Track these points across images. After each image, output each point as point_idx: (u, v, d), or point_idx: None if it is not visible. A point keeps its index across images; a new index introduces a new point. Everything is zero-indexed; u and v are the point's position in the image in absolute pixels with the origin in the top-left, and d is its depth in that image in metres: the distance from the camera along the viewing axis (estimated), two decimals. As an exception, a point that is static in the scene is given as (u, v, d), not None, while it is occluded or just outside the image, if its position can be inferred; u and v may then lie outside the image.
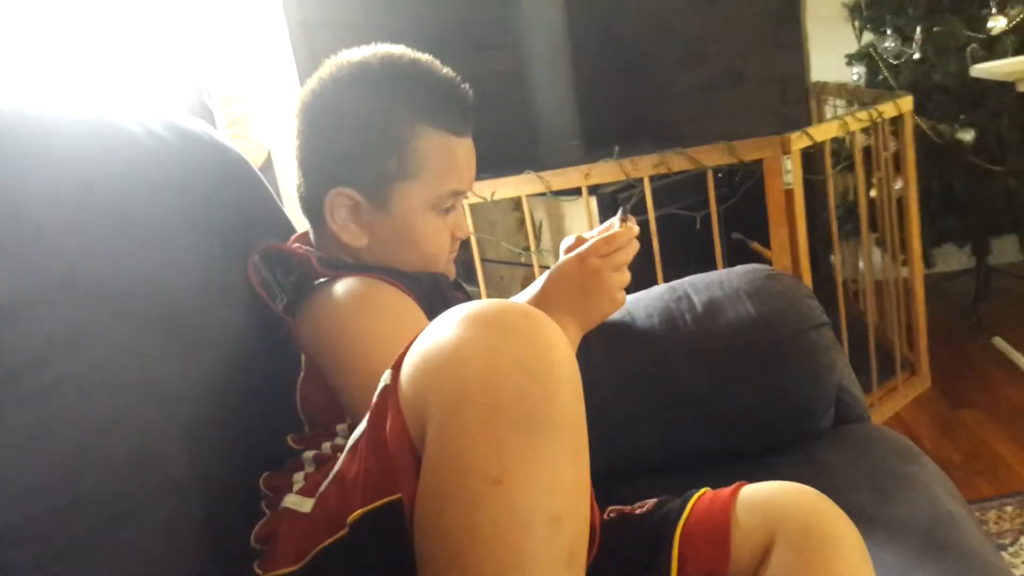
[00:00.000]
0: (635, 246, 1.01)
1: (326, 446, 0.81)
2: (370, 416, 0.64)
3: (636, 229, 1.01)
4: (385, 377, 0.63)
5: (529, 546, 0.55)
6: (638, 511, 0.85)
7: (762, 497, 0.77)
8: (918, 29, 2.42)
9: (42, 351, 0.66)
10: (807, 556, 0.72)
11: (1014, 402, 2.09)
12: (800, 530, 0.73)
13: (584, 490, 0.60)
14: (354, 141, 0.89)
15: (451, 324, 0.60)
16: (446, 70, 0.93)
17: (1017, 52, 2.34)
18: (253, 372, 0.89)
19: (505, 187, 1.86)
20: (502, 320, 0.59)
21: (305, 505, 0.72)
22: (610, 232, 1.01)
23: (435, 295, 0.92)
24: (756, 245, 2.04)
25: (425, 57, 0.93)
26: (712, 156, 1.75)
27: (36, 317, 0.66)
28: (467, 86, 0.94)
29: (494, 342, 0.58)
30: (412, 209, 0.91)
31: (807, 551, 0.72)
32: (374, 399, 0.64)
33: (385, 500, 0.61)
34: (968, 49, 2.35)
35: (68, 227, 0.72)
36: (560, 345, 0.59)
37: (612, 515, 0.86)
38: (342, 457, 0.69)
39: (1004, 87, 2.14)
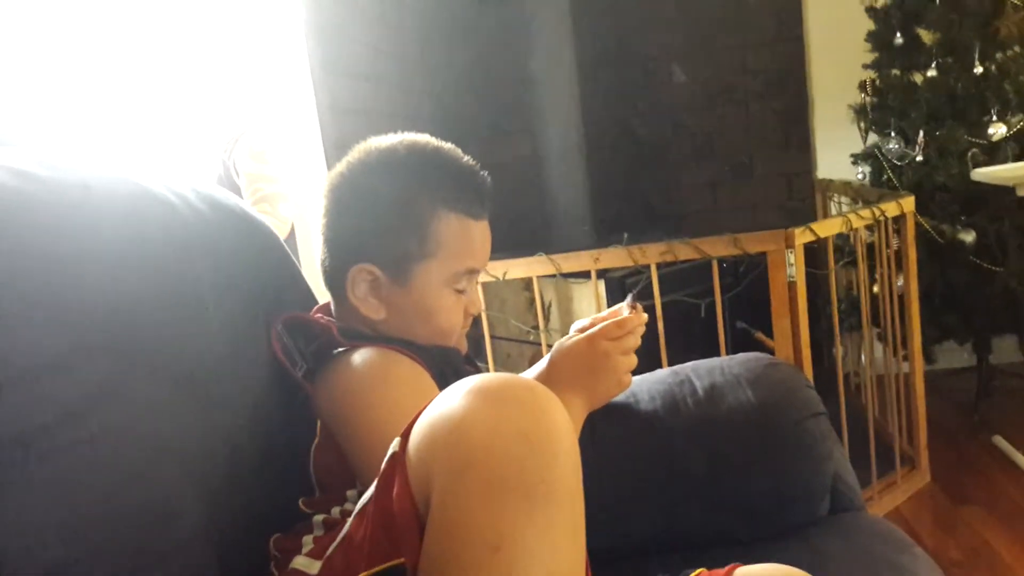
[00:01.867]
0: (641, 331, 1.05)
1: (336, 511, 0.84)
2: (378, 482, 0.67)
3: (645, 317, 1.05)
4: (394, 445, 0.66)
5: None
6: (634, 588, 0.87)
7: (756, 579, 0.80)
8: (921, 133, 2.50)
9: (81, 405, 0.68)
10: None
11: (1015, 501, 2.09)
12: (791, 613, 0.75)
13: (580, 560, 0.62)
14: (378, 221, 0.95)
15: (458, 396, 0.63)
16: (466, 158, 0.99)
17: (1017, 158, 2.42)
18: (271, 436, 0.93)
19: (517, 268, 1.92)
20: (506, 393, 0.62)
21: (313, 567, 0.75)
22: (620, 317, 1.05)
23: (447, 367, 0.96)
24: (760, 335, 2.08)
25: (447, 145, 0.99)
26: (718, 247, 1.81)
27: (78, 372, 0.69)
28: (485, 173, 0.99)
29: (498, 414, 0.61)
30: (429, 285, 0.96)
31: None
32: (383, 465, 0.66)
33: (389, 564, 0.63)
34: (969, 153, 2.42)
35: (107, 286, 0.76)
36: (561, 419, 0.62)
37: (609, 591, 0.88)
38: (350, 520, 0.72)
39: (1004, 191, 2.20)
